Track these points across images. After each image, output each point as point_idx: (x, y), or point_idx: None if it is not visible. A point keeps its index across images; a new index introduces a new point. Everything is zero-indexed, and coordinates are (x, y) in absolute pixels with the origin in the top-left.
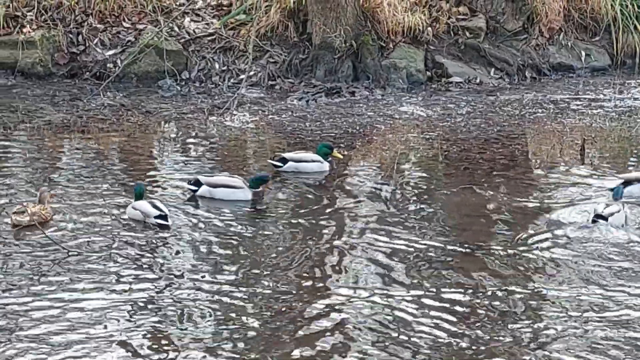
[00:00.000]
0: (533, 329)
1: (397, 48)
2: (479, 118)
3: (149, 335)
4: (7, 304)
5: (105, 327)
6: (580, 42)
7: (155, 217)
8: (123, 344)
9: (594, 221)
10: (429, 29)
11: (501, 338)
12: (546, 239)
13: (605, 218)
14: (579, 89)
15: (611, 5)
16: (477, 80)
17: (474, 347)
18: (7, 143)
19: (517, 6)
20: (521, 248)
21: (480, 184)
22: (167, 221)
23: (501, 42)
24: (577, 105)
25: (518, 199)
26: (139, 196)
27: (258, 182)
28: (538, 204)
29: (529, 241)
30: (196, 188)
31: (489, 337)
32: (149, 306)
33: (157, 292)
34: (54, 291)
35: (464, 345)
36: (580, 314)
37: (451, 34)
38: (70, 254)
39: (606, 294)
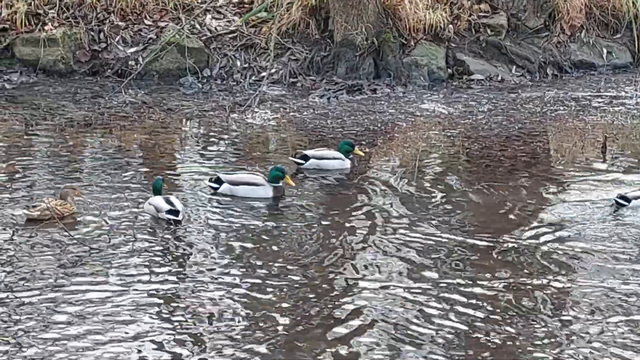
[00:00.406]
0: (561, 323)
1: (419, 45)
2: (501, 115)
3: (178, 334)
4: (32, 303)
5: (134, 325)
6: (601, 39)
7: (167, 212)
8: (153, 342)
9: (617, 202)
10: (450, 26)
11: (534, 334)
12: (568, 235)
13: (628, 200)
14: (601, 87)
15: (632, 2)
16: (499, 78)
17: (508, 343)
18: (29, 140)
19: (538, 3)
20: (544, 244)
21: (502, 181)
22: (178, 216)
23: (522, 40)
24: (599, 102)
25: (539, 195)
26: (157, 191)
27: (275, 177)
28: (560, 201)
29: (552, 237)
30: (217, 186)
31: (519, 333)
32: (175, 304)
33: (183, 290)
34: (78, 290)
35: (497, 341)
36: (605, 309)
37: (472, 32)
38: (92, 251)
39: (630, 290)
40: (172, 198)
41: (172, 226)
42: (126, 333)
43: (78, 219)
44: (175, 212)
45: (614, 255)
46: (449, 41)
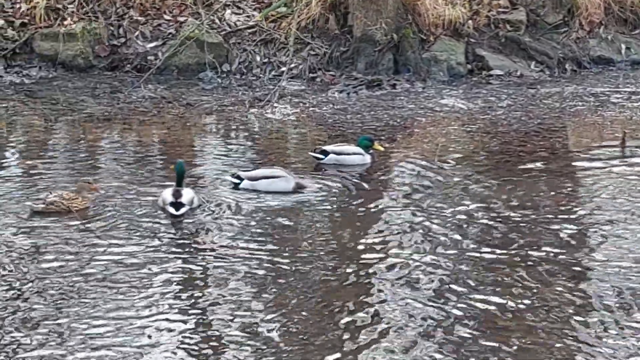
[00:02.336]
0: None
1: (438, 41)
2: (520, 111)
3: (195, 329)
4: (49, 300)
5: (151, 320)
6: (620, 35)
7: (170, 204)
8: (173, 340)
9: None
10: (470, 21)
11: (564, 331)
12: (588, 230)
13: None
14: (619, 82)
15: None
16: (518, 73)
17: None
18: (48, 135)
19: None
20: (563, 238)
21: (521, 176)
22: (178, 210)
23: (541, 35)
24: (617, 98)
25: (559, 191)
26: (180, 175)
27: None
28: (580, 196)
29: (572, 232)
30: (238, 181)
31: (546, 331)
32: (193, 300)
33: (202, 285)
34: (93, 287)
35: (517, 336)
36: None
37: (492, 27)
38: (110, 244)
39: None
40: (185, 191)
41: (197, 221)
42: (142, 327)
43: (92, 213)
44: (176, 205)
45: (636, 250)
46: (468, 37)
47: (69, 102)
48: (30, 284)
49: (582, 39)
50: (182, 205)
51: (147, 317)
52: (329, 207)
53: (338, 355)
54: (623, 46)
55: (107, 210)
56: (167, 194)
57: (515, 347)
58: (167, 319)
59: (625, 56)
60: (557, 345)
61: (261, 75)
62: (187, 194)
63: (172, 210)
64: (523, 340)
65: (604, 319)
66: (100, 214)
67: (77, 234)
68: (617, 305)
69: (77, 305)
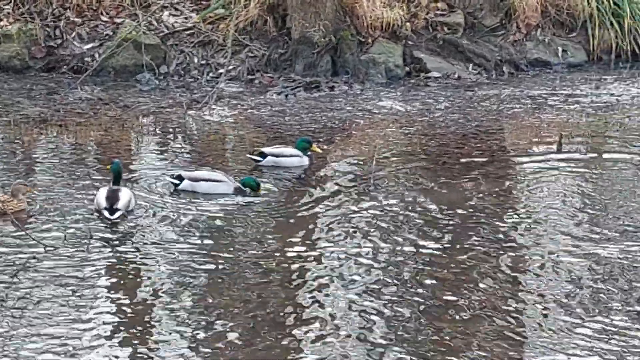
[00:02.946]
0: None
1: (376, 43)
2: (457, 113)
3: (129, 336)
4: None
5: (93, 324)
6: (557, 38)
7: (105, 209)
8: (108, 343)
9: None
10: (408, 24)
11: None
12: (525, 231)
13: None
14: (556, 85)
15: (587, 1)
16: (456, 76)
17: (460, 337)
18: None
19: (494, 2)
20: (501, 241)
21: (459, 178)
22: (112, 215)
23: (479, 38)
24: (554, 100)
25: (496, 193)
26: (117, 175)
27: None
28: (516, 198)
29: (508, 234)
30: (178, 182)
31: (468, 332)
32: (125, 303)
33: (136, 286)
34: (34, 287)
35: (450, 332)
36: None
37: (429, 30)
38: (47, 249)
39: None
40: (122, 193)
41: (129, 223)
42: (82, 330)
43: (31, 216)
44: (110, 210)
45: (572, 249)
46: (406, 39)
47: (4, 103)
48: None
49: (519, 41)
50: (116, 210)
51: (79, 321)
52: (266, 208)
53: (272, 353)
54: (560, 49)
55: (43, 212)
56: (102, 198)
57: (451, 343)
58: (102, 322)
59: (562, 59)
60: (490, 338)
61: (199, 77)
62: (123, 197)
63: (107, 214)
64: (459, 336)
65: (541, 316)
66: (36, 216)
67: (10, 238)
68: (553, 299)
69: (10, 309)
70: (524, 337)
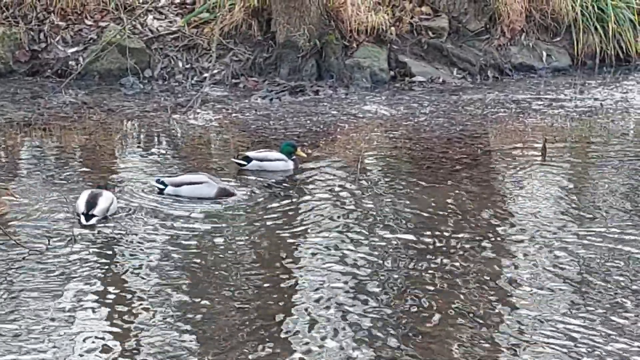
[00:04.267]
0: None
1: (361, 47)
2: (442, 117)
3: (114, 338)
4: None
5: (77, 327)
6: (541, 42)
7: (82, 214)
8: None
9: None
10: (392, 28)
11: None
12: (509, 235)
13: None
14: (541, 89)
15: (572, 6)
16: (440, 80)
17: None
18: None
19: (479, 7)
20: (484, 245)
21: (443, 182)
22: (87, 221)
23: (464, 42)
24: (539, 105)
25: (480, 197)
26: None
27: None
28: (501, 202)
29: (491, 238)
30: (163, 187)
31: (463, 341)
32: (109, 307)
33: (119, 289)
34: (18, 291)
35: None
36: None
37: (414, 34)
38: (30, 252)
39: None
40: (102, 198)
41: (109, 229)
42: (66, 334)
43: (12, 221)
44: (87, 217)
45: (560, 251)
46: (391, 43)
47: None
48: None
49: (504, 46)
50: (92, 216)
51: (61, 326)
52: (251, 212)
53: (260, 355)
54: (544, 53)
55: (25, 217)
56: (82, 202)
57: (426, 338)
58: (86, 326)
59: (546, 63)
60: (475, 342)
61: (183, 81)
62: (101, 203)
63: (82, 219)
64: (435, 333)
65: (524, 319)
66: (18, 220)
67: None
68: (538, 301)
69: None
70: (507, 341)
